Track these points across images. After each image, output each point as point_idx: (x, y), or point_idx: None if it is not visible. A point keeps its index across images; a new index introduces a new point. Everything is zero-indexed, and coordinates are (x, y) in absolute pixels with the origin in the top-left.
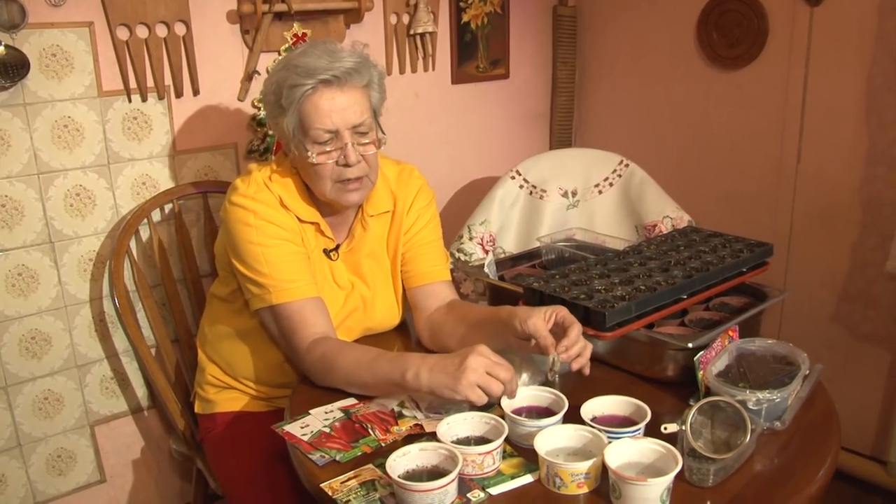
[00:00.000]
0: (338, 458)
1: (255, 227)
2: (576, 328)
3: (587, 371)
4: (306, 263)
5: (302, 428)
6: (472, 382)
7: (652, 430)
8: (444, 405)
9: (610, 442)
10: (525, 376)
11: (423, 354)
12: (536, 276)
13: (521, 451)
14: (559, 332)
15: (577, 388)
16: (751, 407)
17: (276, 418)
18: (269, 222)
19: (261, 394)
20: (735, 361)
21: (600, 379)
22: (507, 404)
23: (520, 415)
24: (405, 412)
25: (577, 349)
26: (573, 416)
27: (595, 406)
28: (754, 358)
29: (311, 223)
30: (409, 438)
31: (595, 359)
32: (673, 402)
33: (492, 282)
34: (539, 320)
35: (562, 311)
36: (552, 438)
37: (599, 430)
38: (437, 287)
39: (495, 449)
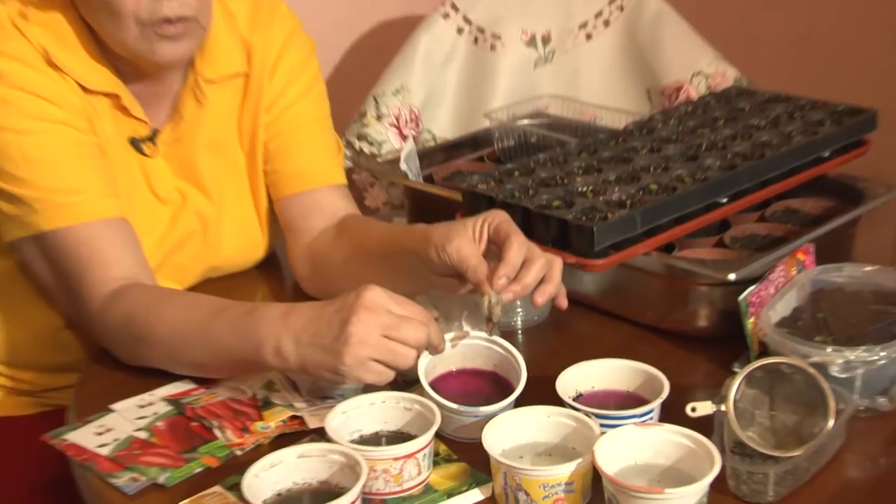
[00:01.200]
0: (162, 479)
1: (3, 102)
2: (516, 241)
3: (563, 303)
4: (99, 162)
5: (99, 435)
6: (363, 357)
7: (672, 413)
8: (336, 385)
9: (604, 433)
10: (466, 326)
11: (286, 308)
12: (484, 173)
13: (463, 451)
14: (499, 251)
15: (549, 347)
16: (835, 374)
17: (54, 423)
18: (27, 93)
19: (22, 385)
20: (809, 302)
21: (588, 334)
22: (432, 375)
23: (456, 395)
24: (275, 399)
25: (532, 276)
26: (545, 394)
27: (580, 377)
28: (841, 296)
29: (106, 94)
30: (283, 440)
31: (578, 302)
32: (706, 369)
33: (413, 185)
34: (464, 241)
35: (497, 218)
36: (511, 430)
37: (587, 414)
38: (323, 196)
39: (421, 450)
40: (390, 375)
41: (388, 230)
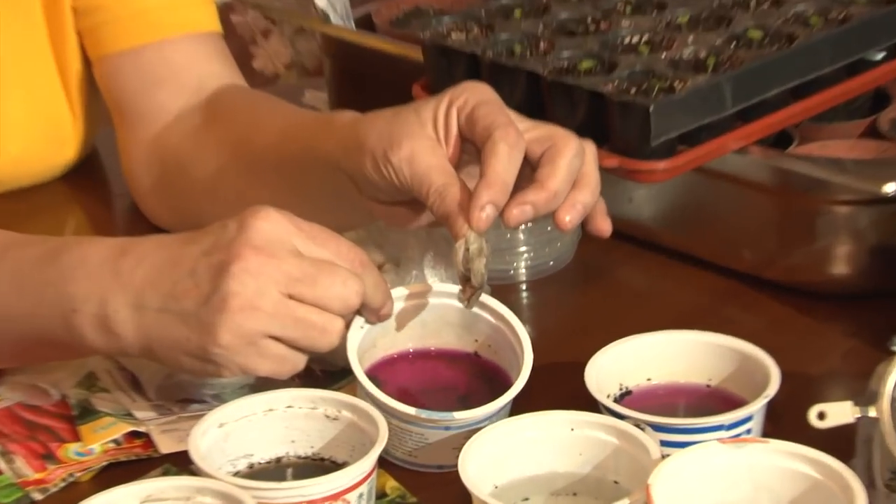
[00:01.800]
0: None
1: None
2: (505, 137)
3: (604, 227)
4: None
5: None
6: (251, 333)
7: (786, 423)
8: (206, 380)
9: (667, 455)
10: (431, 277)
11: (117, 248)
12: (462, 12)
13: (427, 488)
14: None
15: (573, 311)
16: None
17: None
18: None
19: None
20: None
21: (642, 290)
22: (373, 359)
23: (413, 392)
24: (99, 404)
25: (560, 177)
26: (565, 391)
27: (626, 362)
28: None
29: None
30: (115, 473)
31: (624, 235)
32: (843, 348)
33: (338, 35)
34: (421, 145)
35: (475, 98)
36: (509, 452)
37: (638, 424)
38: (180, 53)
39: (354, 487)
40: (299, 362)
41: (292, 120)
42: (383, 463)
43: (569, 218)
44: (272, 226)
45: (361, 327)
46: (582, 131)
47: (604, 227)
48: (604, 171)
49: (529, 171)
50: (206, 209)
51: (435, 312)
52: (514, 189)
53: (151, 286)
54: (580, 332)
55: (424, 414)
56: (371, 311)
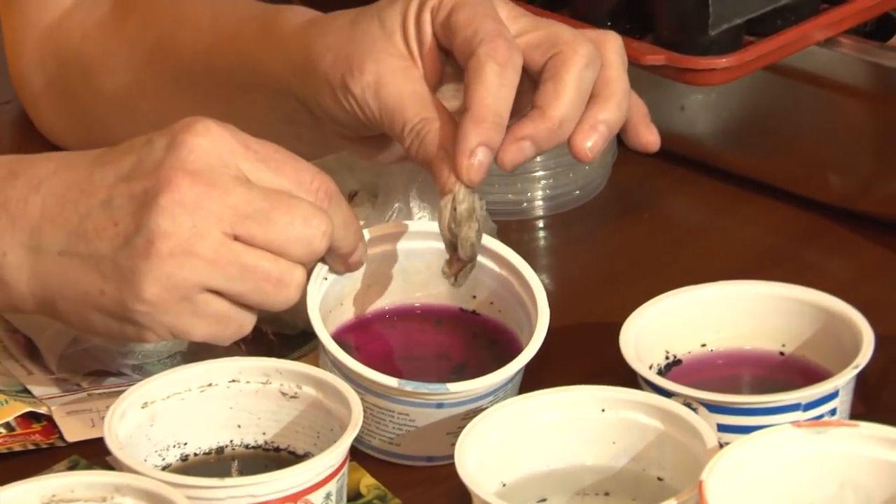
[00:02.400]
0: None
1: None
2: (494, 51)
3: (651, 140)
4: None
5: None
6: (186, 285)
7: (882, 401)
8: (126, 346)
9: (726, 443)
10: (418, 212)
11: (8, 167)
12: None
13: (413, 485)
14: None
15: (602, 256)
16: None
17: None
18: None
19: None
20: None
21: (694, 226)
22: (341, 319)
23: (394, 360)
24: None
25: (566, 99)
26: (592, 360)
27: (673, 322)
28: None
29: None
30: (11, 465)
31: (673, 154)
32: None
33: None
34: (389, 67)
35: None
36: (520, 439)
37: (688, 403)
38: None
39: (319, 485)
40: (246, 323)
41: (226, 16)
42: (357, 454)
43: (589, 144)
44: (213, 144)
45: (325, 278)
46: (617, 18)
47: (649, 138)
48: (646, 70)
49: (530, 84)
50: (117, 125)
51: (421, 259)
52: (512, 116)
53: (51, 222)
54: (613, 284)
55: (409, 386)
56: (338, 258)
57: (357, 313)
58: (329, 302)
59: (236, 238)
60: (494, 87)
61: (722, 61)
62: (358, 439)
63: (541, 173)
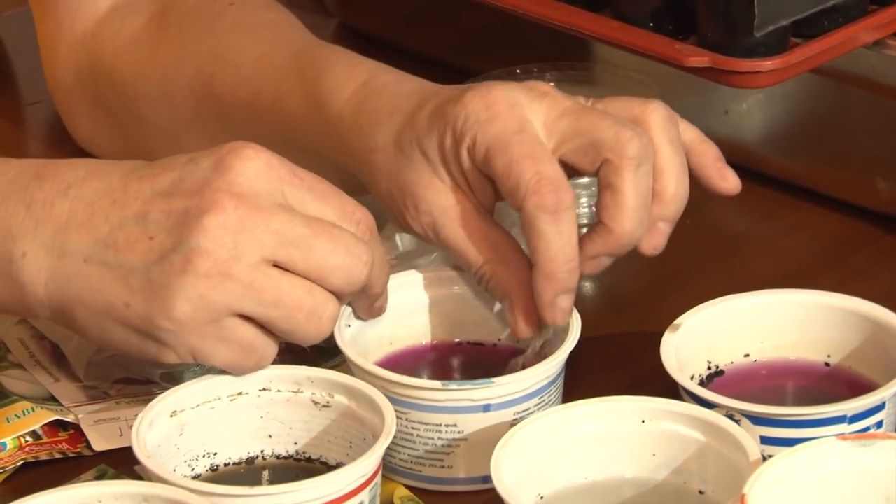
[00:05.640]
0: None
1: None
2: (545, 198)
3: (725, 188)
4: None
5: None
6: (217, 308)
7: None
8: (150, 363)
9: (769, 456)
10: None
11: (35, 169)
12: None
13: (446, 498)
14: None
15: (642, 264)
16: None
17: None
18: None
19: None
20: None
21: (738, 233)
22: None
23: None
24: (11, 384)
25: (617, 239)
26: (631, 371)
27: (717, 332)
28: None
29: None
30: (33, 477)
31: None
32: None
33: None
34: (443, 206)
35: (483, 135)
36: (559, 450)
37: (731, 416)
38: None
39: (352, 495)
40: (267, 353)
41: (264, 65)
42: (390, 467)
43: (654, 244)
44: (260, 169)
45: (348, 325)
46: (659, 19)
47: (721, 185)
48: (690, 72)
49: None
50: (160, 150)
51: (457, 303)
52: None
53: (77, 227)
54: (655, 292)
55: (454, 384)
56: (366, 300)
57: (395, 350)
58: (356, 336)
59: (276, 265)
60: (554, 238)
61: (767, 63)
62: (408, 472)
63: (586, 180)
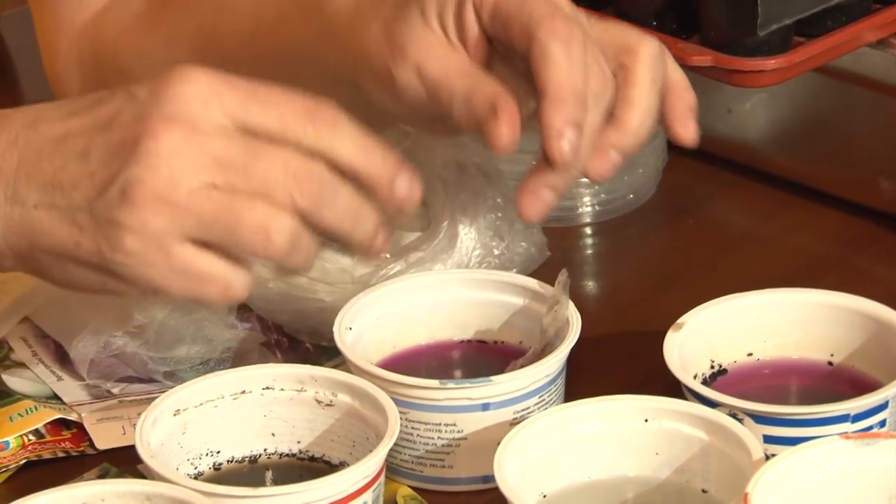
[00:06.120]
0: None
1: None
2: (557, 28)
3: (686, 133)
4: None
5: None
6: (158, 234)
7: None
8: (156, 352)
9: (772, 455)
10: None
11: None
12: None
13: (449, 498)
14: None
15: (647, 262)
16: None
17: None
18: None
19: None
20: None
21: (742, 231)
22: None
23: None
24: (14, 384)
25: (642, 104)
26: (635, 369)
27: (719, 331)
28: None
29: None
30: (34, 476)
31: (720, 158)
32: None
33: None
34: (431, 50)
35: None
36: (562, 449)
37: (734, 414)
38: None
39: (355, 495)
40: (236, 281)
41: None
42: (393, 468)
43: (600, 172)
44: (196, 90)
45: (349, 328)
46: (662, 18)
47: (686, 132)
48: (693, 71)
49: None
50: None
51: (458, 305)
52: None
53: (26, 175)
54: (658, 291)
55: (452, 383)
56: (376, 194)
57: (393, 351)
58: (354, 331)
59: (216, 188)
60: (564, 65)
61: (771, 62)
62: (410, 472)
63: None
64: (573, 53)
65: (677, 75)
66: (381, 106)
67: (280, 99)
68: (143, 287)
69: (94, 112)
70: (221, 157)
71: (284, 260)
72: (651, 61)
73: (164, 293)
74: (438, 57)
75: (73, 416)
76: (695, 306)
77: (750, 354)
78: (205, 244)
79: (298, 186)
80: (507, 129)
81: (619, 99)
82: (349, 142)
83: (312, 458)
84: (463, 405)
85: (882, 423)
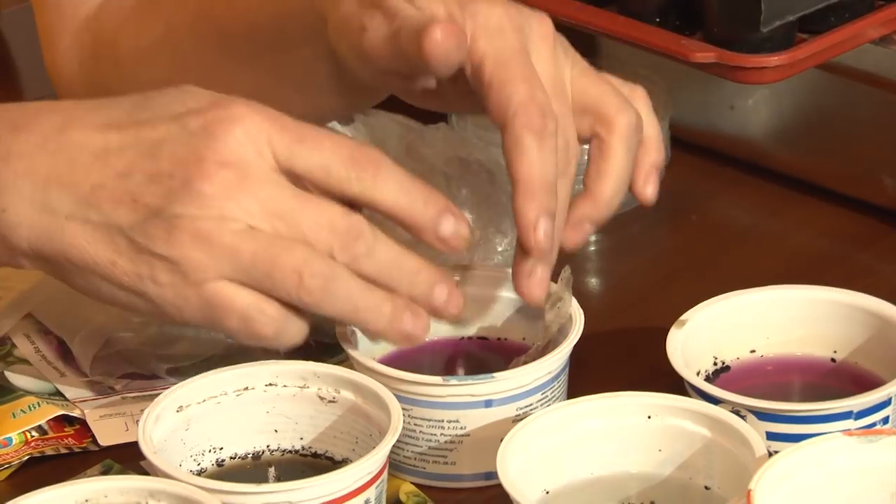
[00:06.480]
0: None
1: None
2: (531, 119)
3: (645, 190)
4: None
5: None
6: (199, 269)
7: None
8: (159, 349)
9: (775, 452)
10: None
11: (6, 118)
12: None
13: (452, 496)
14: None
15: (649, 259)
16: None
17: None
18: None
19: None
20: None
21: (745, 228)
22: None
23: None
24: (17, 381)
25: (601, 207)
26: (638, 366)
27: (722, 328)
28: None
29: None
30: (37, 472)
31: (720, 155)
32: None
33: None
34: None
35: (486, 39)
36: (564, 446)
37: (737, 411)
38: None
39: (358, 492)
40: (287, 325)
41: None
42: (396, 465)
43: (576, 243)
44: (247, 132)
45: (352, 329)
46: (665, 14)
47: (646, 190)
48: (696, 68)
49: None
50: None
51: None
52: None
53: (58, 183)
54: (661, 288)
55: (455, 380)
56: (419, 234)
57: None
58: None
59: (259, 230)
60: (536, 158)
61: (774, 59)
62: (413, 469)
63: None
64: (546, 145)
65: (651, 131)
66: (358, 73)
67: (325, 144)
68: (172, 316)
69: (138, 132)
70: (269, 205)
71: (317, 306)
72: (627, 133)
73: (192, 324)
74: (388, 38)
75: (75, 413)
76: (698, 303)
77: (753, 351)
78: (239, 282)
79: (338, 239)
80: (441, 34)
81: (593, 171)
82: (392, 185)
83: (315, 455)
84: (466, 402)
85: (885, 420)
